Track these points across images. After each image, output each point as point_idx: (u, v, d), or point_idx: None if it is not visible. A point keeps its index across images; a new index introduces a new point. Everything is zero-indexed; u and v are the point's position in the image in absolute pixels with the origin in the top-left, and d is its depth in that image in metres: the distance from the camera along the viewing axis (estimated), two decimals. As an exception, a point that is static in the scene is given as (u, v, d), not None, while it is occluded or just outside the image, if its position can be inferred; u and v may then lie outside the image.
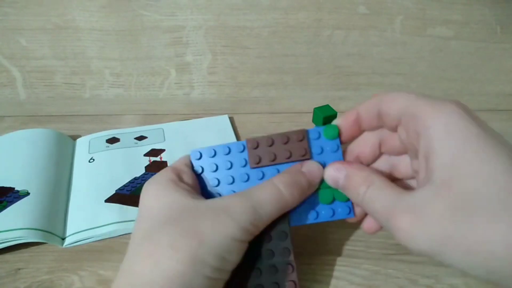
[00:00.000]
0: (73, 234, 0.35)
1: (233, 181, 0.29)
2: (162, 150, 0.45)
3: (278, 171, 0.28)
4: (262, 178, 0.28)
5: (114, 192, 0.39)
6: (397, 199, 0.22)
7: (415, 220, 0.20)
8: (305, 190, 0.26)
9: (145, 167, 0.42)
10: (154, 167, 0.42)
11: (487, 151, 0.20)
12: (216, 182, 0.29)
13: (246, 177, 0.28)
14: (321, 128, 0.28)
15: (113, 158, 0.43)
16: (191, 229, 0.22)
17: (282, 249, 0.27)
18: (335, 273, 0.31)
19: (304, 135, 0.28)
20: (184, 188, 0.26)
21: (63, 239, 0.35)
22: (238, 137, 0.47)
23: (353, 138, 0.28)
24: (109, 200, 0.38)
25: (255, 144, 0.29)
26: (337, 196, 0.27)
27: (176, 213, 0.23)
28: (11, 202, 0.36)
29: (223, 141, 0.46)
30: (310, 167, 0.27)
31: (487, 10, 0.46)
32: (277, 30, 0.47)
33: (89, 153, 0.44)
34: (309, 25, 0.47)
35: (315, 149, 0.28)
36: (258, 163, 0.28)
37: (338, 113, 0.40)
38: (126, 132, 0.48)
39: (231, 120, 0.50)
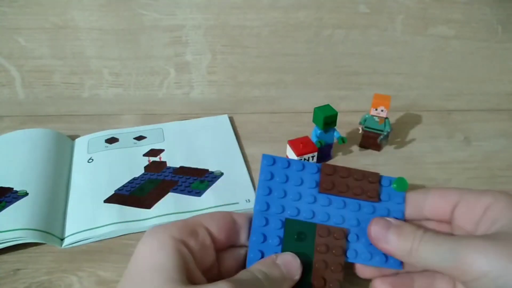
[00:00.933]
0: (72, 234, 0.35)
1: (300, 199, 0.28)
2: (161, 150, 0.45)
3: (345, 204, 0.29)
4: (328, 205, 0.28)
5: (113, 192, 0.39)
6: (461, 236, 0.24)
7: (487, 243, 0.22)
8: (278, 283, 0.24)
9: (144, 167, 0.42)
10: (153, 167, 0.42)
11: None
12: (283, 194, 0.28)
13: (313, 199, 0.28)
14: (393, 179, 0.30)
15: (112, 158, 0.43)
16: None
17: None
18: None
19: (378, 178, 0.29)
20: (186, 260, 0.22)
21: (62, 239, 0.35)
22: (238, 137, 0.47)
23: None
24: (108, 200, 0.38)
25: (331, 171, 0.29)
26: None
27: None
28: (10, 203, 0.36)
29: (223, 141, 0.47)
30: (285, 259, 0.26)
31: (488, 9, 0.46)
32: (277, 30, 0.47)
33: (88, 153, 0.44)
34: (310, 24, 0.47)
35: (383, 195, 0.29)
36: (328, 189, 0.28)
37: (338, 113, 0.40)
38: (125, 132, 0.47)
39: (231, 120, 0.50)
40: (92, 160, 0.43)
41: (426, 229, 0.25)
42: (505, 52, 0.49)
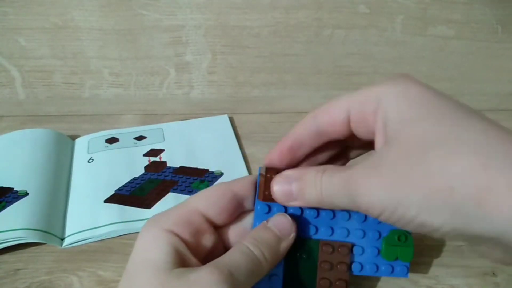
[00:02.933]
0: (72, 234, 0.35)
1: (301, 213, 0.26)
2: (161, 150, 0.45)
3: (350, 216, 0.27)
4: (332, 219, 0.27)
5: (113, 192, 0.39)
6: (352, 171, 0.21)
7: (372, 176, 0.19)
8: (275, 249, 0.23)
9: (145, 167, 0.42)
10: (153, 167, 0.42)
11: (436, 103, 0.20)
12: (299, 211, 0.26)
13: (316, 213, 0.27)
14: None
15: (112, 158, 0.43)
16: None
17: None
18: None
19: None
20: (178, 250, 0.22)
21: (62, 239, 0.35)
22: (238, 137, 0.47)
23: (291, 166, 0.26)
24: (109, 200, 0.38)
25: None
26: (400, 255, 0.27)
27: (150, 282, 0.20)
28: (10, 203, 0.36)
29: (223, 141, 0.47)
30: (275, 220, 0.24)
31: (488, 9, 0.46)
32: (277, 30, 0.47)
33: (88, 153, 0.44)
34: (309, 24, 0.47)
35: None
36: None
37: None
38: (126, 132, 0.47)
39: (231, 120, 0.50)
40: (92, 160, 0.43)
41: (326, 168, 0.22)
42: (505, 52, 0.49)
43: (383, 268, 0.27)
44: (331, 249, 0.27)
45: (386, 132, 0.20)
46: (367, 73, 0.51)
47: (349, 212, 0.27)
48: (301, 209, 0.26)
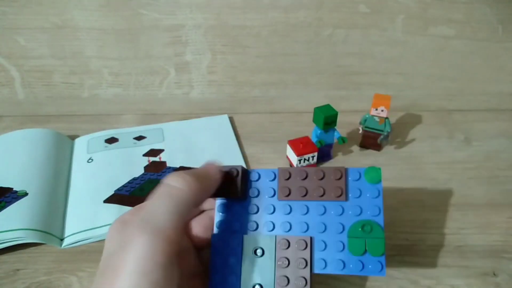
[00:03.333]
0: (71, 235, 0.35)
1: (257, 211, 0.26)
2: (161, 150, 0.45)
3: (308, 209, 0.25)
4: (289, 213, 0.26)
5: (113, 192, 0.39)
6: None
7: None
8: (199, 171, 0.24)
9: (144, 167, 0.42)
10: (153, 167, 0.42)
11: None
12: (240, 210, 0.26)
13: (272, 209, 0.26)
14: (363, 170, 0.26)
15: (111, 158, 0.43)
16: (106, 272, 0.20)
17: None
18: (336, 275, 0.31)
19: (342, 173, 0.25)
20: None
21: (62, 239, 0.35)
22: (238, 137, 0.47)
23: None
24: (108, 200, 0.38)
25: (287, 175, 0.26)
26: (370, 248, 0.24)
27: (109, 253, 0.22)
28: (10, 203, 0.36)
29: (223, 141, 0.46)
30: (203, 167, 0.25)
31: (489, 9, 0.46)
32: (277, 29, 0.47)
33: (87, 153, 0.44)
34: (310, 24, 0.47)
35: (353, 192, 0.25)
36: (287, 195, 0.26)
37: (338, 113, 0.40)
38: (125, 132, 0.47)
39: (231, 120, 0.50)
40: (92, 160, 0.43)
41: None
42: (506, 52, 0.49)
43: (351, 265, 0.24)
44: (287, 244, 0.25)
45: None
46: (367, 73, 0.51)
47: (307, 206, 0.26)
48: (257, 205, 0.26)
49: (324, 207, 0.25)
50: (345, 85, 0.51)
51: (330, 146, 0.43)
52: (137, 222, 0.21)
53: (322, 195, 0.25)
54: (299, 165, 0.41)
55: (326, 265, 0.25)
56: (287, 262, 0.25)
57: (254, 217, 0.26)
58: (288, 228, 0.25)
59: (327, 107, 0.41)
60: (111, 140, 0.46)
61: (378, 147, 0.45)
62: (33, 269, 0.32)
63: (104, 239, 0.35)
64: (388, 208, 0.37)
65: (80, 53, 0.48)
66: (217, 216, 0.26)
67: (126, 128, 0.48)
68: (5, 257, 0.33)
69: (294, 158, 0.40)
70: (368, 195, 0.25)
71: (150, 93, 0.52)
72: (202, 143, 0.46)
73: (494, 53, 0.49)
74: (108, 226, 0.35)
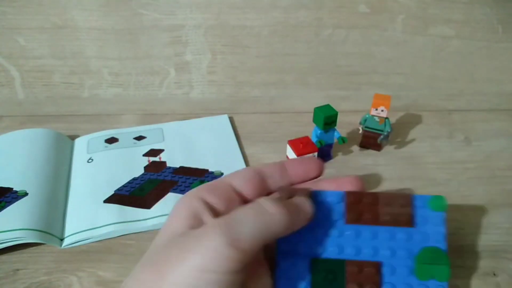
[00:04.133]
0: (71, 235, 0.35)
1: (324, 234, 0.26)
2: (161, 150, 0.45)
3: (376, 234, 0.26)
4: (357, 238, 0.26)
5: (113, 192, 0.39)
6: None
7: None
8: (293, 210, 0.23)
9: (144, 167, 0.42)
10: (153, 167, 0.42)
11: None
12: (305, 231, 0.25)
13: (339, 232, 0.26)
14: (428, 197, 0.27)
15: (111, 158, 0.43)
16: (159, 264, 0.20)
17: None
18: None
19: (410, 200, 0.26)
20: (196, 214, 0.22)
21: (62, 239, 0.35)
22: (238, 137, 0.47)
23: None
24: (108, 200, 0.38)
25: (356, 198, 0.26)
26: (436, 274, 0.25)
27: (161, 245, 0.21)
28: (10, 203, 0.36)
29: (223, 141, 0.46)
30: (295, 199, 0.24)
31: (489, 9, 0.46)
32: (277, 29, 0.47)
33: (87, 153, 0.44)
34: (310, 24, 0.47)
35: (419, 218, 0.26)
36: (356, 220, 0.26)
37: (338, 113, 0.40)
38: (125, 132, 0.47)
39: (231, 120, 0.50)
40: (92, 160, 0.43)
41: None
42: (506, 52, 0.49)
43: None
44: (357, 269, 0.25)
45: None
46: (367, 73, 0.51)
47: (374, 230, 0.26)
48: (324, 228, 0.26)
49: (392, 233, 0.26)
50: (345, 85, 0.51)
51: (330, 146, 0.43)
52: (219, 222, 0.20)
53: (390, 221, 0.26)
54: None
55: (393, 286, 0.25)
56: (358, 286, 0.25)
57: (320, 240, 0.26)
58: (356, 252, 0.26)
59: (327, 107, 0.41)
60: (111, 140, 0.46)
61: (378, 147, 0.45)
62: (33, 269, 0.32)
63: (104, 239, 0.35)
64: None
65: (80, 53, 0.48)
66: (281, 238, 0.25)
67: (126, 128, 0.48)
68: (5, 257, 0.33)
69: (293, 158, 0.40)
70: (432, 222, 0.26)
71: (150, 93, 0.52)
72: (202, 143, 0.46)
73: (494, 53, 0.49)
74: (108, 226, 0.35)
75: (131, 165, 0.42)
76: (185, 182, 0.40)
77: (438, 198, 0.26)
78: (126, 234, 0.35)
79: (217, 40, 0.48)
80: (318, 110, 0.40)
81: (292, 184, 0.27)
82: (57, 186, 0.39)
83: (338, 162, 0.44)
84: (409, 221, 0.26)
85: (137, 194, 0.39)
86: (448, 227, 0.35)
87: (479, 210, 0.37)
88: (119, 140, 0.46)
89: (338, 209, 0.26)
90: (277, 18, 0.46)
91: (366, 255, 0.25)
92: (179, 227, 0.22)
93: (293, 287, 0.25)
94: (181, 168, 0.42)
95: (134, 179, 0.41)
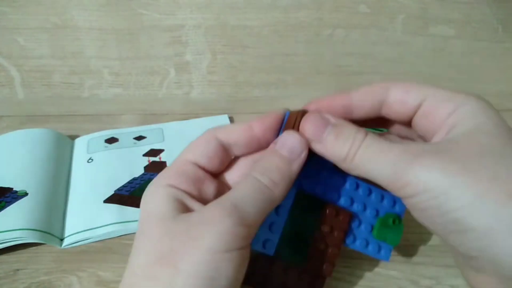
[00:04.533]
0: (71, 235, 0.35)
1: (318, 174, 0.27)
2: (161, 151, 0.45)
3: (357, 186, 0.27)
4: (342, 185, 0.27)
5: (113, 192, 0.39)
6: (410, 145, 0.21)
7: (435, 156, 0.19)
8: (285, 172, 0.22)
9: (144, 167, 0.42)
10: (153, 167, 0.42)
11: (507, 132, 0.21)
12: (315, 171, 0.26)
13: (330, 175, 0.27)
14: None
15: (111, 158, 0.43)
16: (166, 255, 0.19)
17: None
18: (336, 274, 0.31)
19: None
20: (177, 198, 0.22)
21: (62, 239, 0.35)
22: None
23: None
24: (108, 200, 0.38)
25: None
26: (389, 238, 0.28)
27: (158, 235, 0.20)
28: (10, 203, 0.36)
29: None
30: (283, 140, 0.23)
31: (489, 9, 0.46)
32: (278, 29, 0.47)
33: (87, 153, 0.44)
34: (310, 24, 0.47)
35: None
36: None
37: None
38: (125, 132, 0.47)
39: (231, 120, 0.50)
40: (92, 160, 0.43)
41: (369, 133, 0.22)
42: (506, 52, 0.49)
43: (370, 247, 0.28)
44: (334, 213, 0.27)
45: (454, 135, 0.21)
46: (368, 73, 0.51)
47: (357, 182, 0.27)
48: (318, 170, 0.27)
49: (370, 190, 0.28)
50: (345, 85, 0.51)
51: (330, 146, 0.43)
52: (224, 203, 0.20)
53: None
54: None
55: (354, 241, 0.28)
56: (329, 229, 0.27)
57: (309, 176, 0.26)
58: (337, 198, 0.27)
59: (327, 107, 0.40)
60: (111, 140, 0.46)
61: (378, 147, 0.44)
62: (33, 269, 0.32)
63: (104, 239, 0.35)
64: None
65: (80, 53, 0.48)
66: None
67: (126, 128, 0.48)
68: (4, 257, 0.33)
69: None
70: None
71: (150, 93, 0.52)
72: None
73: (494, 53, 0.49)
74: (108, 226, 0.35)
75: (131, 165, 0.42)
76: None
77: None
78: (126, 234, 0.35)
79: (217, 40, 0.48)
80: (318, 110, 0.40)
81: (260, 149, 0.25)
82: (57, 186, 0.39)
83: (338, 162, 0.44)
84: None
85: (137, 194, 0.39)
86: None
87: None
88: (119, 140, 0.46)
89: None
90: (277, 18, 0.46)
91: (344, 203, 0.27)
92: (166, 213, 0.21)
93: (274, 211, 0.25)
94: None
95: (134, 179, 0.41)
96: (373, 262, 0.32)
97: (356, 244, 0.27)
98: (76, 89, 0.51)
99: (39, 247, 0.34)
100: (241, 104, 0.52)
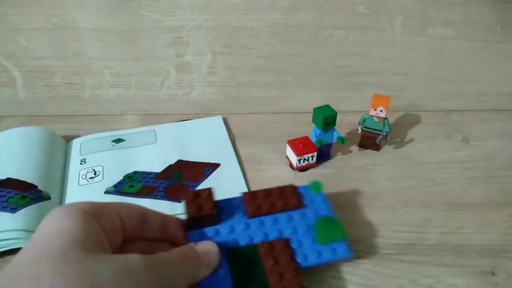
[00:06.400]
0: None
1: (233, 230, 0.30)
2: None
3: (276, 220, 0.31)
4: (262, 226, 0.30)
5: (105, 193, 0.39)
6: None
7: None
8: (196, 265, 0.25)
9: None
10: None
11: None
12: (214, 232, 0.30)
13: (246, 225, 0.30)
14: (307, 186, 0.34)
15: (105, 159, 0.43)
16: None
17: None
18: (335, 273, 0.31)
19: (294, 188, 0.33)
20: (93, 231, 0.22)
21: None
22: (238, 137, 0.47)
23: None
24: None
25: (251, 196, 0.32)
26: (333, 236, 0.30)
27: (70, 260, 0.19)
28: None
29: (217, 142, 0.46)
30: (203, 245, 0.27)
31: (487, 10, 0.46)
32: (277, 30, 0.47)
33: (80, 154, 0.44)
34: (309, 25, 0.47)
35: (306, 201, 0.33)
36: (256, 213, 0.31)
37: (338, 113, 0.40)
38: (119, 134, 0.47)
39: (232, 120, 0.50)
40: (85, 161, 0.43)
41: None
42: (504, 52, 0.49)
43: (325, 254, 0.29)
44: (268, 247, 0.29)
45: None
46: (367, 73, 0.51)
47: (274, 217, 0.31)
48: (232, 226, 0.30)
49: (289, 216, 0.31)
50: (345, 85, 0.52)
51: (329, 146, 0.43)
52: (148, 264, 0.22)
53: (284, 207, 0.31)
54: (298, 165, 0.41)
55: (307, 258, 0.29)
56: (274, 260, 0.28)
57: (232, 235, 0.30)
58: (265, 237, 0.30)
59: (327, 107, 0.41)
60: (111, 141, 0.46)
61: (377, 147, 0.45)
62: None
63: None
64: (387, 208, 0.38)
65: (82, 54, 0.49)
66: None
67: (121, 130, 0.48)
68: (7, 257, 0.33)
69: (294, 158, 0.41)
70: (317, 201, 0.33)
71: (151, 93, 0.52)
72: (195, 144, 0.45)
73: (493, 54, 0.49)
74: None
75: (125, 166, 0.42)
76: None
77: (316, 183, 0.33)
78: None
79: (218, 41, 0.48)
80: (317, 111, 0.41)
81: (167, 238, 0.28)
82: (53, 186, 0.39)
83: (337, 162, 0.44)
84: (299, 204, 0.32)
85: (126, 190, 0.39)
86: (447, 226, 0.36)
87: (478, 210, 0.37)
88: (114, 142, 0.46)
89: (240, 208, 0.31)
90: (277, 19, 0.47)
91: (273, 236, 0.30)
92: (86, 243, 0.20)
93: (214, 276, 0.27)
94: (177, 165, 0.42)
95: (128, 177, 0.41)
96: (372, 261, 0.32)
97: (310, 259, 0.29)
98: (78, 89, 0.51)
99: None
100: (241, 104, 0.53)
